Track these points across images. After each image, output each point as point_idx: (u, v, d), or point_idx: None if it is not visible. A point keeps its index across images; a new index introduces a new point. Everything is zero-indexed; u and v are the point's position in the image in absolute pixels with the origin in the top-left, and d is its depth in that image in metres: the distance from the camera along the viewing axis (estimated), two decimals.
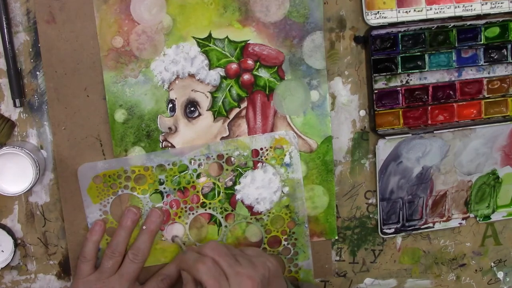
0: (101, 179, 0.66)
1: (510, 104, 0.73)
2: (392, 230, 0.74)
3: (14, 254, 0.67)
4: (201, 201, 0.69)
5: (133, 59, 0.65)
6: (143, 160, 0.67)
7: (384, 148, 0.71)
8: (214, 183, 0.69)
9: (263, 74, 0.67)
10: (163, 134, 0.67)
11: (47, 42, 0.63)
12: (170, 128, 0.67)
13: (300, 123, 0.69)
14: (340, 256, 0.74)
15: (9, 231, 0.67)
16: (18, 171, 0.62)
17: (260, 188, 0.69)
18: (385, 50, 0.69)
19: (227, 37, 0.66)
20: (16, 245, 0.67)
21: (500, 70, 0.73)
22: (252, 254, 0.65)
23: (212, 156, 0.68)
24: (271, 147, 0.69)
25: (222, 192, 0.69)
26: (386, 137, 0.70)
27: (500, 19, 0.70)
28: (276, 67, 0.68)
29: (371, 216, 0.74)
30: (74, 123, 0.65)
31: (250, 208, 0.70)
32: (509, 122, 0.73)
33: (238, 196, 0.69)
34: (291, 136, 0.69)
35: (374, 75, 0.69)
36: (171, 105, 0.67)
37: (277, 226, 0.71)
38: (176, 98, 0.67)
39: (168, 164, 0.67)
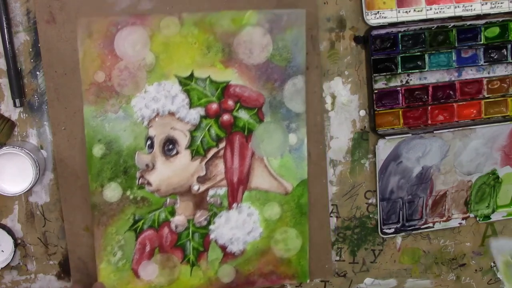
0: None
1: (510, 104, 0.73)
2: (392, 230, 0.74)
3: (14, 254, 0.67)
4: (174, 240, 0.68)
5: (114, 95, 0.65)
6: (118, 196, 0.66)
7: (384, 148, 0.71)
8: (188, 222, 0.68)
9: (243, 115, 0.67)
10: (140, 170, 0.66)
11: (47, 42, 0.63)
12: (147, 165, 0.66)
13: (277, 165, 0.69)
14: (340, 256, 0.74)
15: (9, 231, 0.67)
16: (18, 171, 0.62)
17: (234, 229, 0.69)
18: (385, 50, 0.69)
19: (209, 77, 0.66)
20: (16, 245, 0.67)
21: (500, 70, 0.73)
22: None
23: (187, 195, 0.68)
24: None
25: (196, 232, 0.69)
26: (386, 137, 0.70)
27: (500, 19, 0.70)
28: (256, 108, 0.67)
29: (371, 216, 0.74)
30: (74, 123, 0.65)
31: (223, 248, 0.70)
32: (509, 122, 0.73)
33: (212, 236, 0.69)
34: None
35: (374, 75, 0.69)
36: (149, 142, 0.66)
37: (250, 267, 0.70)
38: (155, 135, 0.66)
39: (144, 202, 0.67)
